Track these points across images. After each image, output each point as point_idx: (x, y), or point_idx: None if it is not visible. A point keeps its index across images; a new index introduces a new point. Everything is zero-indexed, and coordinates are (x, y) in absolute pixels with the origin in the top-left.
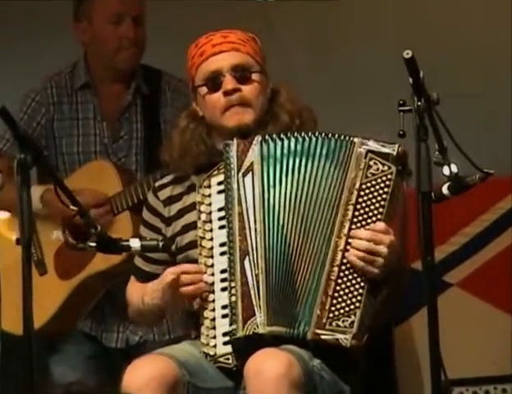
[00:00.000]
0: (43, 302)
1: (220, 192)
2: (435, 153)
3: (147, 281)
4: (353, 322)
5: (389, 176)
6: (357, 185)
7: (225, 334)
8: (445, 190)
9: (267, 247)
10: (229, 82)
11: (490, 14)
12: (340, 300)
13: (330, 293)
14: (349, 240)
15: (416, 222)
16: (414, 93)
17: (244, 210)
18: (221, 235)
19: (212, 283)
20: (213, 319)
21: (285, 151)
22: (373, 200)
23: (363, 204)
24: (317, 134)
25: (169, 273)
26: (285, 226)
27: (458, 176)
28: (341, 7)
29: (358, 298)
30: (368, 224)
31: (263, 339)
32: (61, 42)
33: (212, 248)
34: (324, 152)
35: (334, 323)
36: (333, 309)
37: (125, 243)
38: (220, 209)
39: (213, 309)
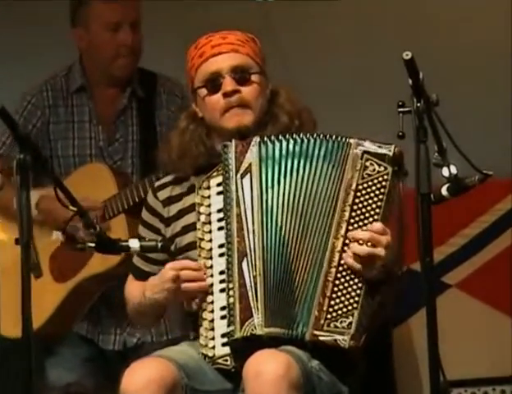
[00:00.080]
0: (38, 305)
1: (219, 193)
2: (434, 154)
3: (145, 280)
4: (351, 323)
5: (385, 177)
6: (353, 186)
7: (223, 335)
8: (444, 191)
9: (265, 248)
10: (228, 83)
11: (490, 14)
12: (337, 301)
13: (328, 294)
14: (347, 241)
15: (415, 223)
16: (414, 94)
17: (242, 211)
18: (220, 237)
19: (211, 284)
20: (212, 320)
21: (284, 152)
22: (370, 201)
23: (360, 205)
24: (314, 135)
25: (169, 269)
26: (283, 227)
27: (457, 178)
28: (341, 7)
29: (356, 299)
30: (364, 225)
31: (261, 340)
32: (61, 42)
33: (211, 249)
34: (322, 153)
35: (332, 324)
36: (331, 310)
37: (124, 243)
38: (219, 211)
39: (212, 311)
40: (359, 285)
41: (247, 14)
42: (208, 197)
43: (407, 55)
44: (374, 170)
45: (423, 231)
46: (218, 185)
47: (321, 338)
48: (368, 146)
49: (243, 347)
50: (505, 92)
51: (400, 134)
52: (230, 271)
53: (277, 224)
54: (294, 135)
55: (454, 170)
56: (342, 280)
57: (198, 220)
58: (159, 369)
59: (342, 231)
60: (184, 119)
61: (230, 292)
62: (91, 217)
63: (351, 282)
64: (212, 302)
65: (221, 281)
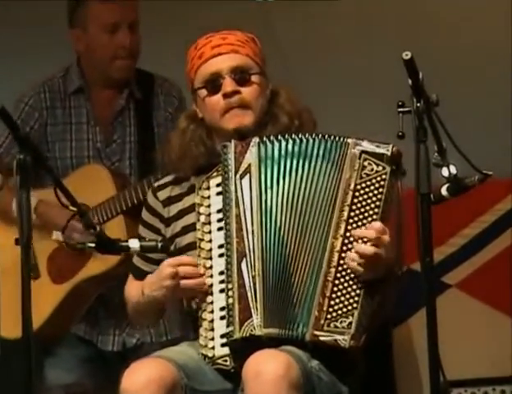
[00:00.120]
0: (36, 306)
1: (218, 194)
2: (434, 154)
3: None
4: (351, 323)
5: (383, 177)
6: (352, 186)
7: (222, 336)
8: (444, 191)
9: (264, 249)
10: (228, 84)
11: (490, 14)
12: (337, 301)
13: (327, 294)
14: (346, 241)
15: (415, 223)
16: (414, 94)
17: (241, 212)
18: (219, 237)
19: (211, 285)
20: (212, 321)
21: (283, 152)
22: (368, 201)
23: (359, 205)
24: (313, 135)
25: (167, 266)
26: (282, 227)
27: (457, 178)
28: (341, 7)
29: (356, 299)
30: (363, 224)
31: (260, 341)
32: (61, 42)
33: (210, 250)
34: (320, 153)
35: (332, 324)
36: (331, 310)
37: (124, 243)
38: (218, 211)
39: (212, 311)
40: (359, 285)
41: (247, 14)
42: (208, 197)
43: (407, 55)
44: (372, 169)
45: (423, 231)
46: (218, 185)
47: (321, 338)
48: (366, 146)
49: (242, 348)
50: (505, 92)
51: (400, 134)
52: (230, 271)
53: (276, 224)
54: (292, 135)
55: (453, 170)
56: (342, 280)
57: (198, 220)
58: (159, 370)
59: (341, 231)
60: (184, 119)
61: (230, 293)
62: (90, 218)
63: (351, 282)
64: (211, 302)
65: (221, 282)
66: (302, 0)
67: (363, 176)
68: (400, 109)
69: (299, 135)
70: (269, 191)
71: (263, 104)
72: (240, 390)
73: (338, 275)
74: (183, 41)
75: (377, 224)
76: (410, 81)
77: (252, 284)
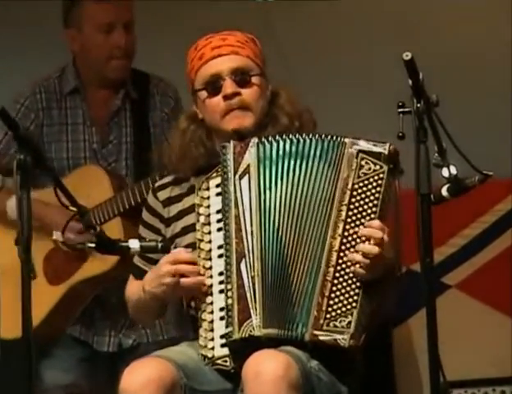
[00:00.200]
0: (32, 307)
1: (218, 194)
2: (434, 154)
3: None
4: (350, 323)
5: (381, 176)
6: (349, 185)
7: (222, 336)
8: (444, 191)
9: (263, 249)
10: (229, 86)
11: (490, 14)
12: (336, 300)
13: (326, 294)
14: (344, 241)
15: (415, 223)
16: (414, 94)
17: (240, 213)
18: (219, 238)
19: (211, 285)
20: (211, 321)
21: (281, 153)
22: (366, 200)
23: (357, 204)
24: (310, 135)
25: (165, 263)
26: (281, 228)
27: (457, 178)
28: (341, 7)
29: (355, 298)
30: (362, 224)
31: (260, 341)
32: (60, 42)
33: (210, 250)
34: (318, 153)
35: (331, 324)
36: (330, 309)
37: (124, 244)
38: (218, 212)
39: (211, 312)
40: (358, 284)
41: (247, 14)
42: (208, 198)
43: (407, 56)
44: (370, 169)
45: (423, 232)
46: (217, 186)
47: (320, 338)
48: (363, 145)
49: (242, 348)
50: (505, 92)
51: (400, 134)
52: (229, 272)
53: (275, 225)
54: (290, 135)
55: (454, 170)
56: (341, 279)
57: (198, 221)
58: (158, 369)
59: (339, 231)
60: (184, 120)
61: (229, 293)
62: (90, 218)
63: (350, 281)
64: (211, 303)
65: (221, 282)
66: (302, 0)
67: (361, 175)
68: (400, 110)
69: (297, 135)
70: (268, 192)
71: (264, 106)
72: (240, 390)
73: (337, 274)
74: (178, 41)
75: (376, 223)
76: (410, 82)
77: (251, 284)
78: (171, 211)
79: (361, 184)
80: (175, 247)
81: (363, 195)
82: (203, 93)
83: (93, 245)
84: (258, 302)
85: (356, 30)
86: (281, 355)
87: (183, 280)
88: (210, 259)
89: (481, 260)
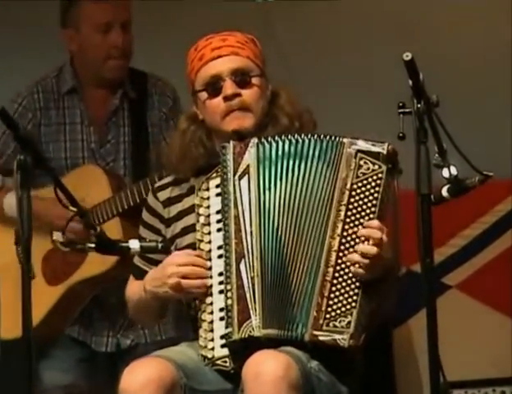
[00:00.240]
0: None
1: (218, 195)
2: (434, 155)
3: None
4: (350, 323)
5: (379, 175)
6: (348, 185)
7: (222, 337)
8: (444, 192)
9: (263, 250)
10: (229, 87)
11: (490, 14)
12: (336, 300)
13: (325, 294)
14: (343, 241)
15: (416, 224)
16: (414, 95)
17: (240, 213)
18: (218, 238)
19: (211, 286)
20: (211, 322)
21: (280, 153)
22: (365, 200)
23: (355, 204)
24: (309, 135)
25: (170, 264)
26: (280, 228)
27: (457, 179)
28: (341, 7)
29: (354, 298)
30: (360, 224)
31: (260, 342)
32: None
33: (210, 251)
34: (316, 153)
35: (331, 324)
36: (329, 309)
37: (124, 244)
38: (218, 212)
39: (211, 312)
40: (357, 284)
41: (247, 14)
42: (208, 198)
43: (407, 56)
44: (368, 168)
45: (424, 232)
46: (217, 186)
47: (320, 338)
48: (362, 145)
49: (241, 349)
50: (505, 92)
51: (401, 135)
52: (228, 272)
53: (274, 225)
54: (289, 136)
55: (454, 171)
56: (340, 279)
57: (198, 221)
58: (158, 369)
59: (338, 231)
60: (184, 121)
61: (228, 294)
62: (90, 218)
63: (349, 281)
64: (211, 303)
65: (221, 283)
66: (302, 0)
67: (360, 175)
68: (400, 110)
69: (295, 136)
70: (267, 192)
71: (264, 106)
72: (240, 390)
73: (336, 275)
74: (176, 41)
75: (375, 222)
76: (411, 82)
77: (251, 285)
78: (172, 211)
79: (360, 184)
80: (175, 247)
81: (361, 195)
82: (204, 94)
83: (93, 245)
84: (257, 302)
85: (356, 30)
86: (281, 356)
87: (186, 281)
88: (210, 260)
89: (481, 261)
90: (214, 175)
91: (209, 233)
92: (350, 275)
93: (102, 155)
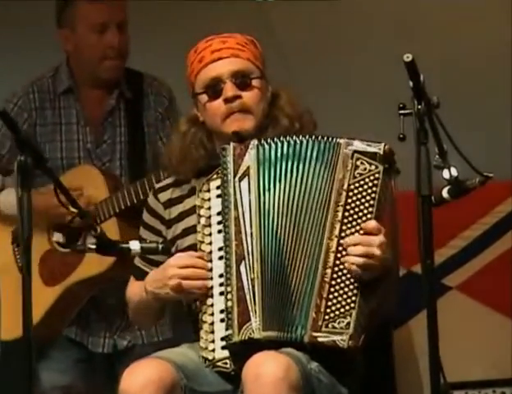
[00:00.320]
0: None
1: (218, 196)
2: (435, 156)
3: None
4: (349, 323)
5: (376, 176)
6: (345, 186)
7: (222, 339)
8: (445, 193)
9: (263, 251)
10: (229, 89)
11: (490, 14)
12: (334, 301)
13: (324, 295)
14: (341, 242)
15: (416, 225)
16: (414, 96)
17: (240, 215)
18: (219, 240)
19: (211, 287)
20: (212, 324)
21: (279, 155)
22: (362, 200)
23: (353, 205)
24: (306, 137)
25: (172, 266)
26: (280, 230)
27: (458, 180)
28: (341, 7)
29: (353, 299)
30: (358, 224)
31: (260, 343)
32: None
33: (210, 252)
34: (314, 154)
35: (330, 325)
36: (328, 310)
37: (124, 245)
38: (218, 213)
39: (212, 314)
40: (356, 285)
41: (247, 14)
42: (208, 200)
43: (408, 57)
44: (365, 169)
45: (424, 233)
46: (218, 188)
47: (319, 339)
48: (358, 145)
49: (242, 350)
50: (505, 93)
51: (401, 136)
52: (229, 274)
53: (274, 227)
54: (288, 137)
55: (454, 172)
56: (338, 280)
57: (199, 223)
58: (158, 370)
59: (336, 232)
60: (185, 123)
61: (229, 295)
62: (91, 219)
63: (347, 282)
64: (212, 305)
65: (221, 284)
66: (302, 0)
67: (356, 175)
68: (400, 111)
69: (294, 137)
70: (267, 194)
71: (264, 108)
72: (240, 392)
73: (334, 276)
74: (173, 41)
75: (372, 223)
76: (411, 83)
77: (251, 287)
78: (172, 213)
79: (357, 184)
80: (176, 248)
81: (359, 196)
82: (204, 97)
83: (93, 246)
84: (257, 304)
85: (356, 30)
86: (282, 357)
87: (187, 282)
88: (211, 261)
89: (481, 262)
90: (215, 176)
91: (210, 234)
92: (349, 276)
93: (99, 155)
